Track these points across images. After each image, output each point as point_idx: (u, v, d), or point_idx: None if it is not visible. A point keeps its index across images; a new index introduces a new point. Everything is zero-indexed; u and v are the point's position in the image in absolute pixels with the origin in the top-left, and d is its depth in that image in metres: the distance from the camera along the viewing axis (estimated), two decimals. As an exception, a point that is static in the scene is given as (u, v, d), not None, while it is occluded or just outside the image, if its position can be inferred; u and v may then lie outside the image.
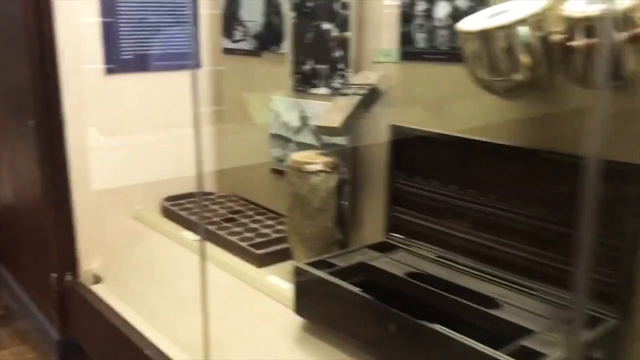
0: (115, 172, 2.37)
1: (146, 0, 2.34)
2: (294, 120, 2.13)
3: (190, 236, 2.22)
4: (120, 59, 2.31)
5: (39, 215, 2.42)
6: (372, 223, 1.86)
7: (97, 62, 2.27)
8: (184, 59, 2.43)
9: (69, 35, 2.16)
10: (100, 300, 2.17)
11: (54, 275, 2.32)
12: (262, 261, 1.96)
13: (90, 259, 2.35)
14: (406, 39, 1.68)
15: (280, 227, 2.16)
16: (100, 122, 2.30)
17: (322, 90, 2.00)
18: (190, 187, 2.53)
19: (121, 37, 2.30)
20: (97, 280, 2.32)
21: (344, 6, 1.86)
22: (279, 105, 2.18)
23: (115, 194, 2.40)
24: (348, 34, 1.86)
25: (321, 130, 1.79)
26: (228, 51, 2.40)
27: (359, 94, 1.73)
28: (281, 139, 2.20)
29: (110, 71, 2.30)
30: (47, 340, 2.48)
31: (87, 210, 2.33)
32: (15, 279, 2.87)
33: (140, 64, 2.36)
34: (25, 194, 2.60)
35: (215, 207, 2.43)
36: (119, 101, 2.35)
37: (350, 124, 1.72)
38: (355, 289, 1.44)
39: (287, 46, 2.11)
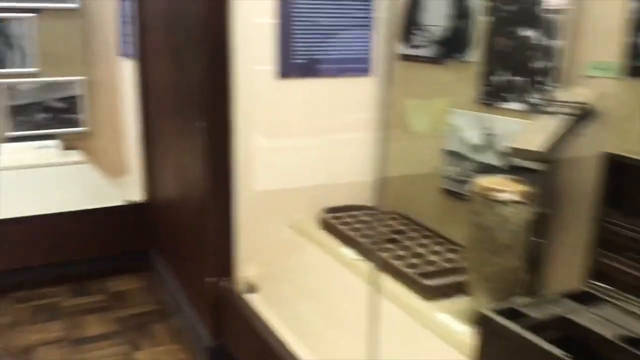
0: (274, 177, 2.30)
1: (321, 3, 2.24)
2: (475, 137, 1.90)
3: (349, 254, 2.07)
4: (291, 62, 2.23)
5: (201, 215, 2.40)
6: (567, 266, 1.58)
7: (268, 65, 2.21)
8: (357, 64, 2.29)
9: (244, 37, 2.10)
10: (253, 312, 2.08)
11: (210, 279, 2.28)
12: (430, 293, 1.75)
13: (247, 266, 2.29)
14: (636, 51, 1.39)
15: (450, 255, 1.94)
16: (266, 125, 2.24)
17: (515, 106, 1.75)
18: (347, 196, 2.41)
19: (294, 40, 2.22)
20: (252, 289, 2.25)
21: (552, 10, 1.59)
22: (459, 119, 1.96)
23: (273, 201, 2.33)
24: (555, 42, 1.59)
25: (518, 153, 1.54)
26: (404, 57, 2.22)
27: (568, 114, 1.46)
28: (457, 157, 1.98)
29: (281, 75, 2.22)
30: (199, 343, 2.46)
31: (246, 215, 2.27)
32: (174, 275, 2.91)
33: (312, 68, 2.27)
34: (189, 194, 2.61)
35: (376, 224, 2.26)
36: (287, 105, 2.28)
37: (556, 149, 1.46)
38: (560, 352, 1.19)
39: (475, 54, 1.88)
